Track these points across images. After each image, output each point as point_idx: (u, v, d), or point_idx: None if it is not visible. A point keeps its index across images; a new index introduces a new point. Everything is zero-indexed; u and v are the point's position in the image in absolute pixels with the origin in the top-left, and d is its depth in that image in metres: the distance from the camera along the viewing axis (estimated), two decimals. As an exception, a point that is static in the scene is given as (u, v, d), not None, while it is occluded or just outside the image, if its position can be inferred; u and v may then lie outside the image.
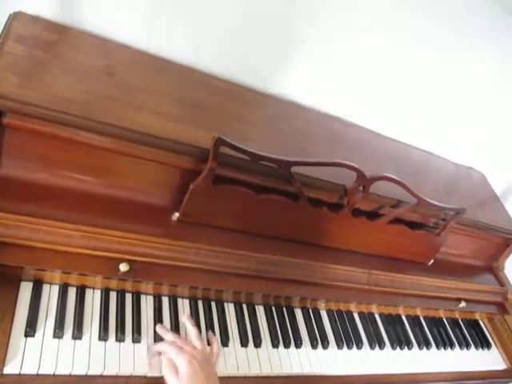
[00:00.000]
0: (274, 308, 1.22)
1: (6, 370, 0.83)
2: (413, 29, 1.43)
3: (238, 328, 1.13)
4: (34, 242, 0.90)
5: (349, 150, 1.44)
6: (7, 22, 1.08)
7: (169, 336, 1.00)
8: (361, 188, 1.21)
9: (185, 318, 1.07)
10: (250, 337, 1.12)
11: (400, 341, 1.37)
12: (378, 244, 1.35)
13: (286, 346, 1.16)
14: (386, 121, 1.65)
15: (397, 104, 1.63)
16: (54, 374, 0.87)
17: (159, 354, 0.98)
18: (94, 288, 1.01)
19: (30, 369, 0.85)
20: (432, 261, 1.49)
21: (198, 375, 0.93)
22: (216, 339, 1.07)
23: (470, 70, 1.58)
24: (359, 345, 1.28)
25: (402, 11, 1.38)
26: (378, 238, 1.34)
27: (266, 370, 1.09)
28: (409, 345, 1.38)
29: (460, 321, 1.60)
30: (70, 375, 0.89)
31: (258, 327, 1.16)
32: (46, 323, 0.92)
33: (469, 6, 1.41)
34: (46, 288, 0.96)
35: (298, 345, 1.18)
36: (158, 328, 1.02)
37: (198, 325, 1.07)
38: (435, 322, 1.52)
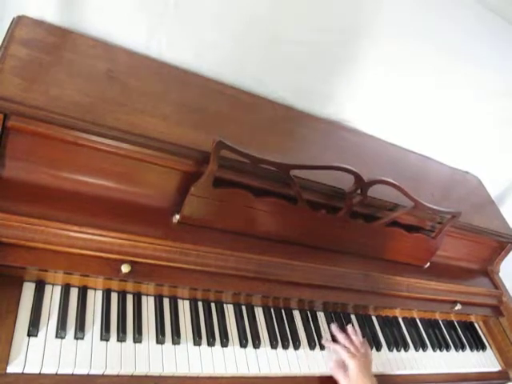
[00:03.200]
0: (272, 309, 1.24)
1: (10, 369, 0.85)
2: (412, 33, 1.45)
3: (238, 329, 1.15)
4: (37, 243, 0.91)
5: (347, 154, 1.46)
6: (11, 25, 1.09)
7: (341, 337, 1.24)
8: (359, 191, 1.23)
9: (335, 330, 1.27)
10: (249, 338, 1.14)
11: (396, 342, 1.39)
12: (376, 246, 1.37)
13: (285, 347, 1.18)
14: (384, 126, 1.67)
15: (395, 109, 1.64)
16: (56, 373, 0.89)
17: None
18: (95, 289, 1.03)
19: (32, 368, 0.87)
20: (428, 263, 1.51)
21: (364, 376, 1.15)
22: (368, 344, 1.27)
23: (467, 77, 1.60)
24: (356, 346, 1.30)
25: (399, 13, 1.40)
26: (375, 241, 1.36)
27: (265, 371, 1.11)
28: (405, 346, 1.40)
29: (456, 323, 1.62)
30: (72, 374, 0.90)
31: (257, 328, 1.17)
32: (49, 323, 0.93)
33: (468, 13, 1.43)
34: (48, 289, 0.98)
35: (297, 346, 1.19)
36: (334, 328, 1.27)
37: (198, 326, 1.08)
38: (431, 324, 1.54)
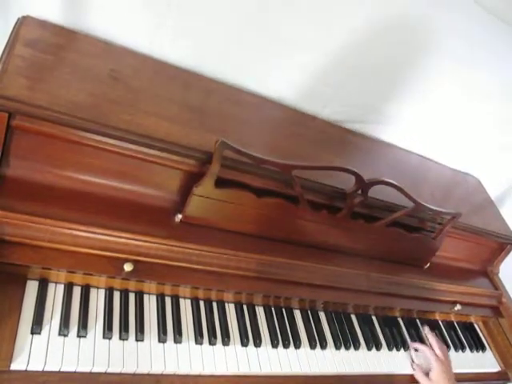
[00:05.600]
0: (273, 309, 1.24)
1: (13, 367, 0.85)
2: (417, 33, 1.45)
3: (239, 328, 1.15)
4: (41, 241, 0.92)
5: (348, 155, 1.47)
6: (15, 25, 1.10)
7: (433, 340, 1.39)
8: (359, 192, 1.23)
9: (428, 332, 1.42)
10: (250, 337, 1.15)
11: (396, 342, 1.39)
12: (376, 247, 1.38)
13: (286, 346, 1.18)
14: (384, 127, 1.68)
15: (395, 111, 1.65)
16: (59, 371, 0.90)
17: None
18: (98, 287, 1.03)
19: (36, 365, 0.87)
20: (428, 264, 1.51)
21: (448, 379, 1.27)
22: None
23: (466, 78, 1.61)
24: (357, 345, 1.30)
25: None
26: (375, 241, 1.36)
27: (266, 370, 1.12)
28: (405, 346, 1.40)
29: (455, 323, 1.63)
30: (75, 372, 0.91)
31: (258, 328, 1.18)
32: (52, 321, 0.94)
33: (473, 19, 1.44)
34: (51, 287, 0.98)
35: (297, 345, 1.20)
36: (427, 330, 1.44)
37: (199, 325, 1.09)
38: (431, 325, 1.54)
